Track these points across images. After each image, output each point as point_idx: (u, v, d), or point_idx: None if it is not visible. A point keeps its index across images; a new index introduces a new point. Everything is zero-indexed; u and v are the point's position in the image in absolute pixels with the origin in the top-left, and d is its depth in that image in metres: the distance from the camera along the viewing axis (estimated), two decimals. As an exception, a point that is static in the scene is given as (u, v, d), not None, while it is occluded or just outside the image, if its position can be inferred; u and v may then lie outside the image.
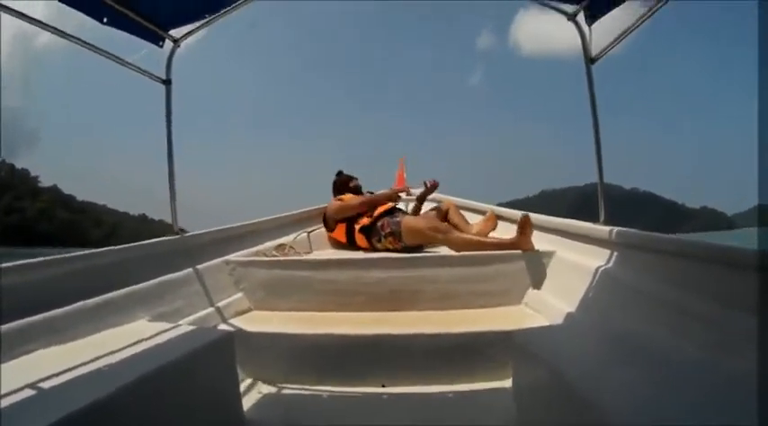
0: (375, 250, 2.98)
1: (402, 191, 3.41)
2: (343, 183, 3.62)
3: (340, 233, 3.23)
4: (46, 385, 1.01)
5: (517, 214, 2.44)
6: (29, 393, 0.97)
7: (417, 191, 3.65)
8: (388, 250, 2.92)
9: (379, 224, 3.00)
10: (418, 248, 2.89)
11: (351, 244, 3.18)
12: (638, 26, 1.79)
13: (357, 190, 3.59)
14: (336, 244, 3.32)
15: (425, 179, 3.46)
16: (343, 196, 3.41)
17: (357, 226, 3.11)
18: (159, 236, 2.17)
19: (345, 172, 3.75)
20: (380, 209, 3.13)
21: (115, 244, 1.91)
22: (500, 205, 3.52)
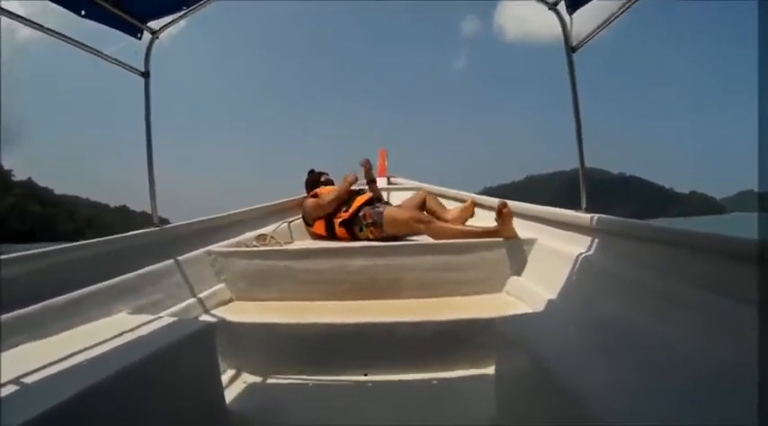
0: (356, 239, 3.00)
1: (354, 180, 3.37)
2: (314, 181, 3.67)
3: (319, 227, 3.24)
4: (26, 380, 0.98)
5: (496, 202, 2.45)
6: (9, 388, 0.94)
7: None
8: (368, 239, 2.94)
9: (361, 213, 3.02)
10: (399, 238, 2.90)
11: (331, 237, 3.19)
12: (618, 15, 1.78)
13: (329, 184, 3.61)
14: (317, 237, 3.32)
15: (359, 161, 3.46)
16: (317, 190, 3.43)
17: (337, 221, 3.12)
18: (136, 226, 2.14)
19: (326, 169, 3.79)
20: (360, 200, 3.14)
21: (88, 238, 1.88)
22: (487, 190, 3.53)
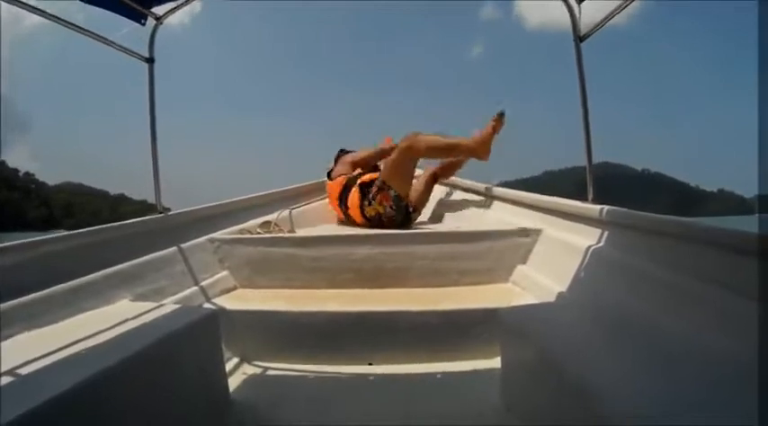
0: (365, 217, 2.85)
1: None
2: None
3: (336, 184, 3.11)
4: (27, 369, 0.98)
5: (518, 194, 2.46)
6: (12, 377, 0.94)
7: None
8: (379, 214, 2.76)
9: (368, 189, 2.85)
10: (410, 196, 2.82)
11: (341, 202, 3.05)
12: (629, 4, 1.75)
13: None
14: (325, 213, 3.28)
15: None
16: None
17: (358, 181, 2.95)
18: (125, 212, 2.13)
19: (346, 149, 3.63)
20: (365, 178, 3.00)
21: (64, 227, 1.88)
22: (504, 184, 3.49)
